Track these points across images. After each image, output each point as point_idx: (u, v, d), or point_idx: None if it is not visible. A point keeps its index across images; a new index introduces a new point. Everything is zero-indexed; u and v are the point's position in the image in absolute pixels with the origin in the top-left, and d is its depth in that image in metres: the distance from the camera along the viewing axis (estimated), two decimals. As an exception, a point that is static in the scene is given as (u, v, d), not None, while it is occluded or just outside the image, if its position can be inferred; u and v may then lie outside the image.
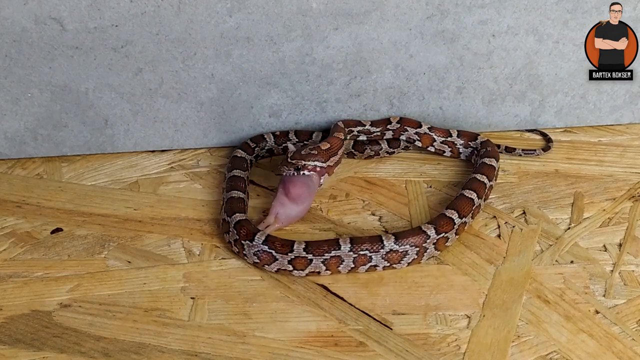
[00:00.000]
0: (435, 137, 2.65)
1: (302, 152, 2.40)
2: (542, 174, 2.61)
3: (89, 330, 2.06)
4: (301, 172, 2.36)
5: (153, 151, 2.72)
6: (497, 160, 2.55)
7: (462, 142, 2.65)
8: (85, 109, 2.59)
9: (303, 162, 2.37)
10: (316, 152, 2.40)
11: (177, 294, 2.17)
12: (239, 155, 2.59)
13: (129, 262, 2.27)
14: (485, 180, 2.45)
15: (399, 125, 2.67)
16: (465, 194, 2.39)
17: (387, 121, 2.68)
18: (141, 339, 2.04)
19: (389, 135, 2.69)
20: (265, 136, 2.67)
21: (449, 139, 2.65)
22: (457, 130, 2.67)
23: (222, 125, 2.68)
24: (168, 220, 2.43)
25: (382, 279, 2.22)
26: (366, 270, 2.24)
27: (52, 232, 2.38)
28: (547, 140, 2.75)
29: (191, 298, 2.16)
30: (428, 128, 2.66)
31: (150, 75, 2.55)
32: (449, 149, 2.67)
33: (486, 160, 2.53)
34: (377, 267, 2.24)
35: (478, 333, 2.06)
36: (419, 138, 2.67)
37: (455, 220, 2.31)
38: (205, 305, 2.14)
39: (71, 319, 2.09)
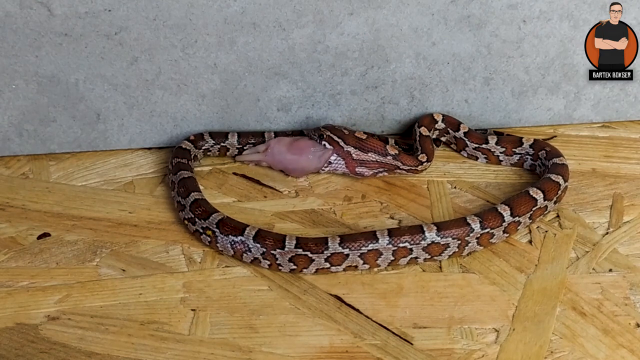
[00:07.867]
0: (468, 142, 2.65)
1: (335, 126, 2.62)
2: (577, 173, 2.60)
3: (79, 346, 2.06)
4: (322, 142, 2.57)
5: (150, 148, 2.73)
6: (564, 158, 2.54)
7: (502, 149, 2.64)
8: (75, 102, 2.59)
9: (328, 133, 2.57)
10: (346, 133, 2.58)
11: (176, 306, 2.18)
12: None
13: (124, 270, 2.28)
14: (560, 181, 2.43)
15: (444, 125, 2.68)
16: (530, 192, 2.38)
17: (433, 120, 2.68)
18: (136, 355, 2.04)
19: (434, 135, 2.71)
20: (184, 145, 2.63)
21: (483, 146, 2.65)
22: (497, 137, 2.66)
23: (226, 119, 2.68)
24: (166, 224, 2.43)
25: (401, 289, 2.22)
26: (407, 263, 2.27)
27: (39, 237, 2.38)
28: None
29: (192, 310, 2.16)
30: (464, 133, 2.66)
31: (147, 65, 2.55)
32: (484, 156, 2.66)
33: (556, 160, 2.51)
34: (418, 260, 2.27)
35: (507, 348, 2.06)
36: (455, 142, 2.68)
37: (506, 217, 2.31)
38: (207, 318, 2.14)
39: (59, 333, 2.09)
